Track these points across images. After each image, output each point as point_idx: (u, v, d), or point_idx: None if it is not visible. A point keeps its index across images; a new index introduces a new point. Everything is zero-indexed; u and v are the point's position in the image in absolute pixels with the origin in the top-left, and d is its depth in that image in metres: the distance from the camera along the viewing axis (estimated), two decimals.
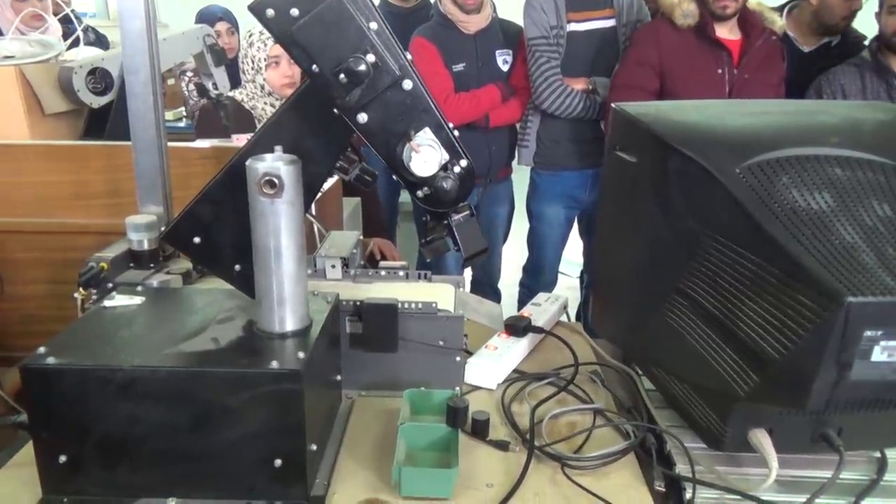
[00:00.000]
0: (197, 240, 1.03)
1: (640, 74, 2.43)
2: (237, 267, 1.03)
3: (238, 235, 0.98)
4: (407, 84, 0.94)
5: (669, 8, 2.40)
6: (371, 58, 0.90)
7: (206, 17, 3.58)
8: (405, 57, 0.94)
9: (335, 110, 0.95)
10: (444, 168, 0.97)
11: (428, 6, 3.04)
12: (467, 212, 1.05)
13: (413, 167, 0.94)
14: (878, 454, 1.02)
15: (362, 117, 0.95)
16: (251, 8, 0.90)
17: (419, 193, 0.99)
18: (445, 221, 1.04)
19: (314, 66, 0.91)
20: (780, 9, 2.69)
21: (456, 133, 0.99)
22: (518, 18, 2.76)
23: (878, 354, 0.80)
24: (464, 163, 0.99)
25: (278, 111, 1.03)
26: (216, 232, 1.03)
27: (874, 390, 0.84)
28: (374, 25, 0.92)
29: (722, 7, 2.32)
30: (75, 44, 2.19)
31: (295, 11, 0.90)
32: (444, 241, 1.05)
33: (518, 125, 2.83)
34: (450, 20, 2.62)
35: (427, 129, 0.96)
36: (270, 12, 0.90)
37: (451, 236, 1.05)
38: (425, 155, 0.94)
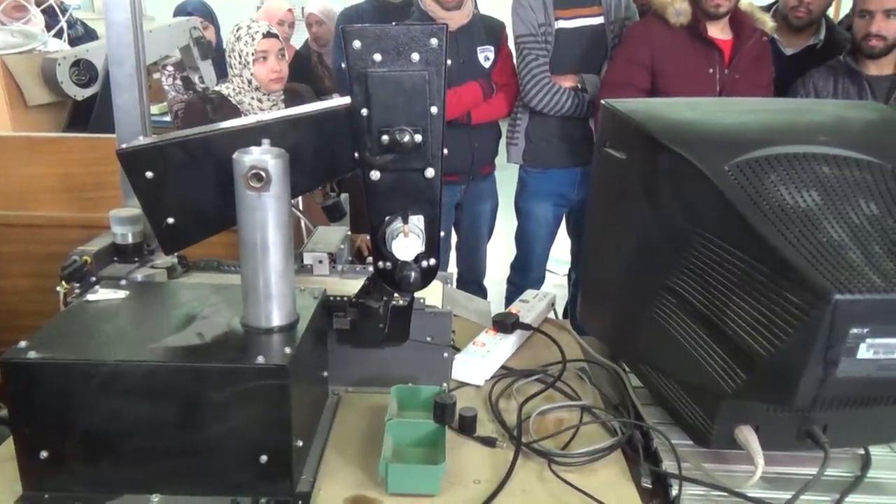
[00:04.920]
0: (149, 174, 0.99)
1: (630, 72, 2.43)
2: (170, 220, 1.00)
3: (190, 193, 0.98)
4: (430, 172, 0.96)
5: (662, 6, 2.40)
6: (418, 138, 0.92)
7: (181, 11, 3.55)
8: (443, 147, 0.95)
9: (356, 154, 0.96)
10: (416, 259, 0.98)
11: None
12: (410, 299, 1.07)
13: (394, 246, 0.95)
14: (862, 451, 1.03)
15: (375, 175, 0.95)
16: (344, 29, 0.90)
17: (380, 264, 1.00)
18: (386, 298, 1.06)
19: (364, 111, 0.92)
20: (765, 10, 2.70)
21: (442, 234, 1.00)
22: (499, 14, 2.75)
23: (863, 352, 0.80)
24: (433, 261, 1.00)
25: (299, 113, 1.02)
26: (171, 178, 0.99)
27: (860, 387, 0.84)
28: (434, 110, 0.93)
29: (715, 6, 2.32)
30: (59, 35, 2.16)
31: (378, 57, 0.90)
32: (374, 309, 1.06)
33: (507, 123, 2.82)
34: (430, 17, 2.60)
35: (422, 218, 0.98)
36: (357, 44, 0.90)
37: (384, 309, 1.06)
38: (410, 241, 0.95)
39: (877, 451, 1.03)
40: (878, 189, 0.89)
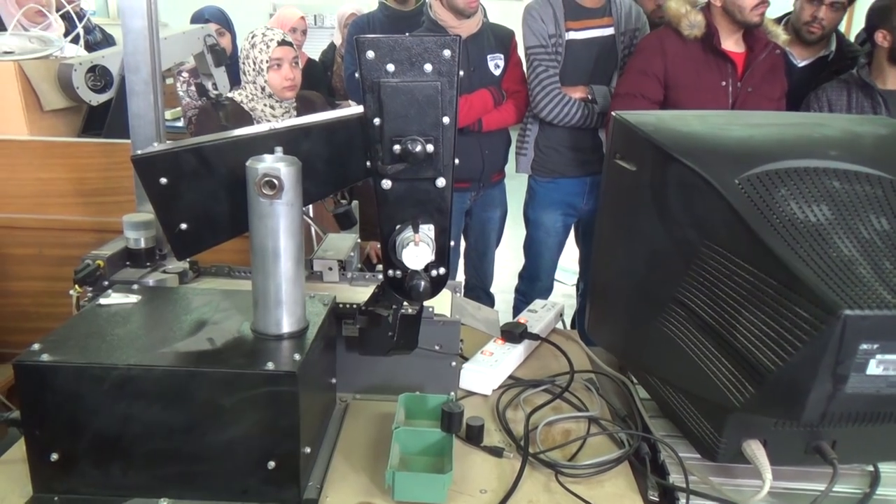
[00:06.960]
0: (164, 180, 0.99)
1: (643, 83, 2.43)
2: (183, 225, 1.01)
3: (203, 200, 0.98)
4: (441, 182, 0.96)
5: (676, 18, 2.40)
6: (430, 148, 0.93)
7: (198, 18, 3.59)
8: (454, 157, 0.96)
9: (367, 163, 0.97)
10: (426, 268, 0.98)
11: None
12: (419, 307, 1.08)
13: (404, 255, 0.95)
14: (871, 468, 1.02)
15: (386, 184, 0.96)
16: (357, 39, 0.91)
17: (390, 273, 1.01)
18: (395, 306, 1.06)
19: (377, 120, 0.93)
20: (777, 22, 2.69)
21: (452, 243, 1.01)
22: (508, 22, 2.76)
23: (873, 368, 0.80)
24: (443, 271, 1.01)
25: (312, 121, 1.03)
26: (185, 184, 0.99)
27: (869, 404, 0.84)
28: (446, 120, 0.94)
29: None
30: (76, 40, 2.19)
31: (391, 67, 0.91)
32: (383, 317, 1.07)
33: (517, 133, 2.83)
34: (440, 26, 2.62)
35: (432, 227, 0.98)
36: (370, 54, 0.91)
37: (393, 318, 1.07)
38: (420, 250, 0.95)
39: (886, 468, 1.02)
40: (889, 204, 0.89)
